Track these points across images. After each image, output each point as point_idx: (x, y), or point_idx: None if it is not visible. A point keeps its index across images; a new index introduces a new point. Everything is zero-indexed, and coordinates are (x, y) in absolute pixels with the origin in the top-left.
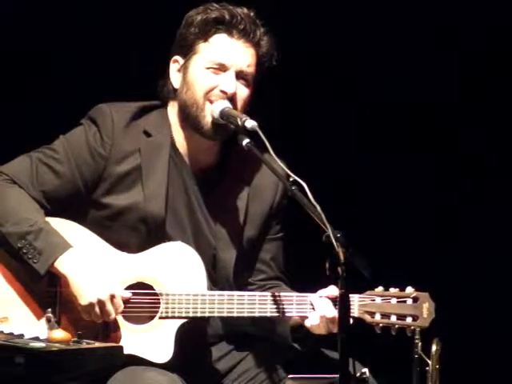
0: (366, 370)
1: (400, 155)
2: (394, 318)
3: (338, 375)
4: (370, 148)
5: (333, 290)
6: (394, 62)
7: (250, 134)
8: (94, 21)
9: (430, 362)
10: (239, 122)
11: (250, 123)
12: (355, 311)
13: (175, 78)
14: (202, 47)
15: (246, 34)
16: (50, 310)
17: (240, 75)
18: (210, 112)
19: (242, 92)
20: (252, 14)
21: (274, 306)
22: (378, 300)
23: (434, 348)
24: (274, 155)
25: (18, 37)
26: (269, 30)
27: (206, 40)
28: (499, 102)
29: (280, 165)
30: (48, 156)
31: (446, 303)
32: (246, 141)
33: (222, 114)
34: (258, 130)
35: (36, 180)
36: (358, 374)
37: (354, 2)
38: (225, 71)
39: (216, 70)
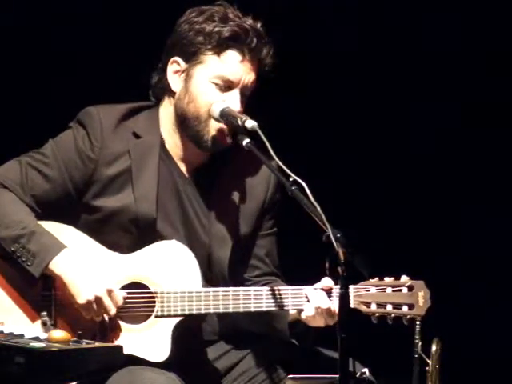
0: (366, 369)
1: (399, 155)
2: (389, 308)
3: (338, 375)
4: (370, 148)
5: (327, 282)
6: (391, 63)
7: (250, 133)
8: (92, 22)
9: (430, 362)
10: (239, 122)
11: (250, 123)
12: (351, 302)
13: (174, 81)
14: (211, 60)
15: (255, 52)
16: (45, 313)
17: (242, 90)
18: (211, 113)
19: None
20: (259, 25)
21: (270, 301)
22: (373, 290)
23: (433, 348)
24: (273, 155)
25: (16, 36)
26: (271, 41)
27: (216, 53)
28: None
29: (280, 165)
30: (37, 160)
31: (446, 303)
32: (246, 141)
33: (222, 114)
34: (258, 129)
35: (26, 184)
36: (357, 374)
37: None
38: (230, 88)
39: (222, 87)
